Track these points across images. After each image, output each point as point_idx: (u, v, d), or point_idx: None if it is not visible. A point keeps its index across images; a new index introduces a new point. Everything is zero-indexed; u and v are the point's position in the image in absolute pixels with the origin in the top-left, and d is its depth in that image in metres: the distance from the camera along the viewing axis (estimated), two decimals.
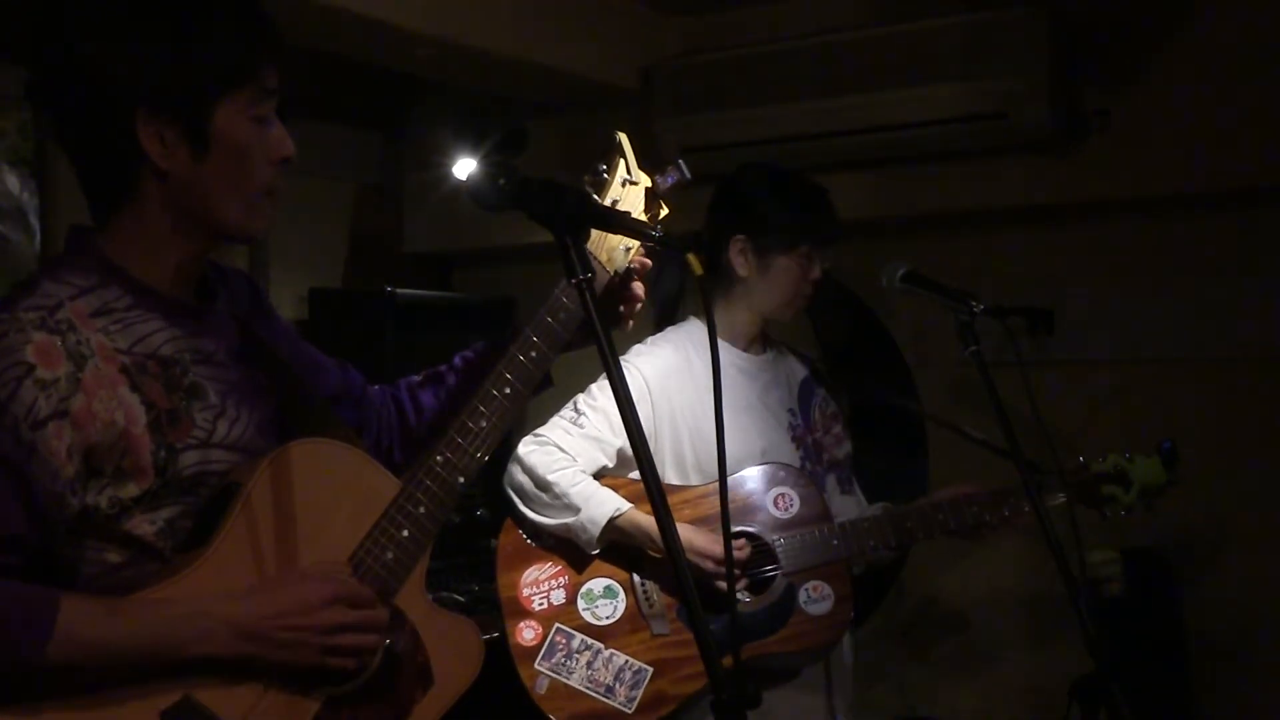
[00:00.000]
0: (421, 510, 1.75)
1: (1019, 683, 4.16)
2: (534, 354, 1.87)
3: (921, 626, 4.40)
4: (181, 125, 1.60)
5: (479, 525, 3.34)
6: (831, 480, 2.93)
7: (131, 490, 1.58)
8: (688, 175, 2.14)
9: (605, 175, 2.06)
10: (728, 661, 1.56)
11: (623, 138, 2.10)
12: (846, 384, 3.09)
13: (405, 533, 1.74)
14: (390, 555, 1.73)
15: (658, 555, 2.65)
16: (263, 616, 1.60)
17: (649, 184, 2.12)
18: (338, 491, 1.71)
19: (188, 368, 1.65)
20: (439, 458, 1.78)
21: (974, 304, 2.63)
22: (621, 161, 2.08)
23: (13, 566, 1.51)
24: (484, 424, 1.81)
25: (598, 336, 1.59)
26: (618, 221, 1.85)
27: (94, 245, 1.64)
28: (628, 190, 2.08)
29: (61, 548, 1.57)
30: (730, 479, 1.78)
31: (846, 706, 2.89)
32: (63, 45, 1.59)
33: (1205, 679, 3.80)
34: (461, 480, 1.78)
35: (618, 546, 2.67)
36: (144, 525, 1.59)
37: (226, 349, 1.72)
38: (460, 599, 3.79)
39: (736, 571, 2.61)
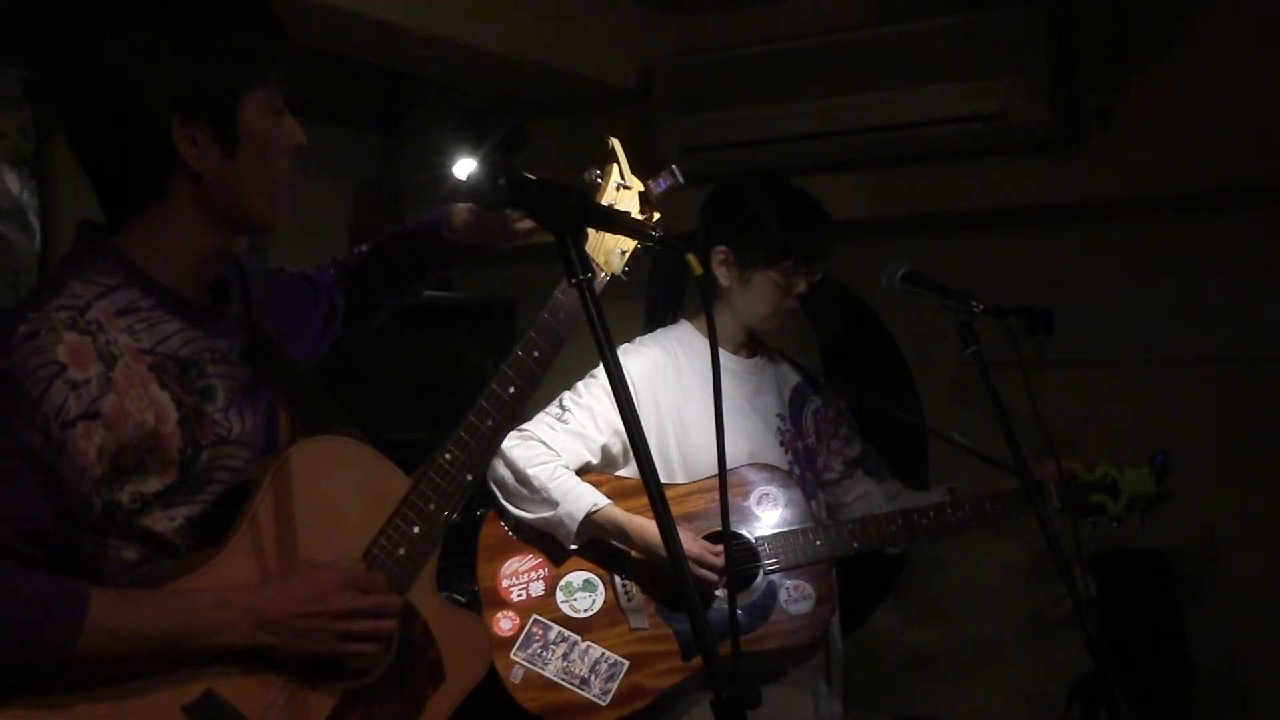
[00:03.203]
0: (431, 507, 1.78)
1: (1019, 683, 4.17)
2: (536, 353, 1.92)
3: (921, 627, 4.40)
4: (213, 126, 1.61)
5: (479, 525, 3.33)
6: (850, 482, 2.96)
7: (153, 485, 1.60)
8: (681, 180, 2.15)
9: (599, 180, 2.07)
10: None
11: (615, 143, 2.10)
12: (845, 385, 3.08)
13: (416, 529, 1.77)
14: (402, 551, 1.76)
15: (633, 552, 2.65)
16: (278, 605, 1.62)
17: (642, 189, 2.13)
18: (349, 489, 1.74)
19: (204, 369, 1.67)
20: (447, 455, 1.81)
21: (974, 304, 2.63)
22: (615, 166, 2.10)
23: (40, 562, 1.53)
24: (489, 422, 1.85)
25: (597, 336, 1.59)
26: (618, 221, 1.86)
27: (111, 244, 1.65)
28: (621, 195, 2.10)
29: (84, 546, 1.58)
30: (716, 478, 1.80)
31: (839, 705, 2.90)
32: (87, 61, 1.59)
33: (1206, 679, 3.80)
34: (470, 478, 1.82)
35: (598, 540, 2.68)
36: (163, 521, 1.61)
37: (239, 349, 1.73)
38: (461, 599, 3.78)
39: (717, 574, 2.61)
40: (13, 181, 3.86)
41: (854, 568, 2.94)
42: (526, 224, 2.02)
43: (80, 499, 1.54)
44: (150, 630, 1.55)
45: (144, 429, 1.57)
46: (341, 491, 1.73)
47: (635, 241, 2.11)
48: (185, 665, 1.58)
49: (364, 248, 2.16)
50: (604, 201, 2.06)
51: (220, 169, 1.63)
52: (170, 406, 1.60)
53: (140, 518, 1.59)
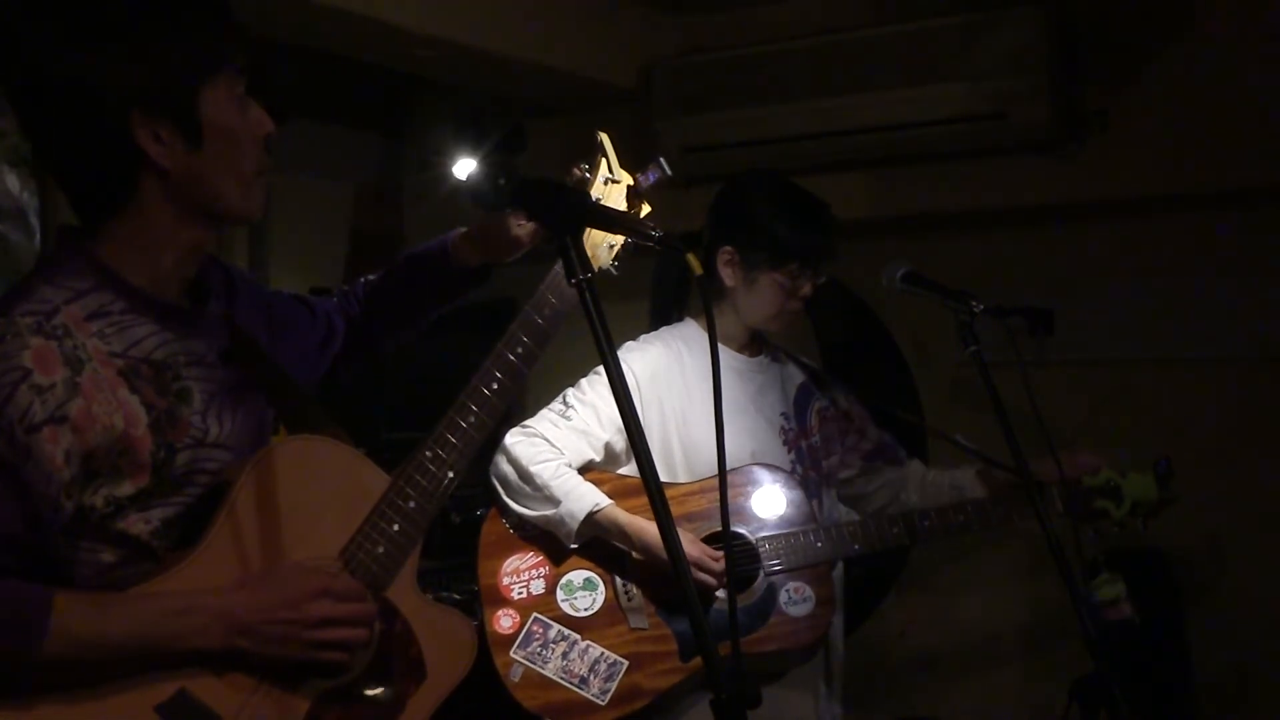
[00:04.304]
0: (411, 505, 1.77)
1: (1019, 683, 4.16)
2: (520, 350, 1.90)
3: (921, 626, 4.40)
4: (174, 120, 1.61)
5: (479, 525, 3.35)
6: (871, 474, 2.96)
7: (127, 489, 1.59)
8: (668, 172, 2.15)
9: (587, 175, 2.07)
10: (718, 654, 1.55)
11: (604, 137, 2.10)
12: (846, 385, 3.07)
13: (396, 527, 1.76)
14: (381, 549, 1.75)
15: (633, 553, 2.65)
16: (251, 610, 1.61)
17: (630, 182, 2.13)
18: (328, 488, 1.73)
19: (179, 371, 1.66)
20: (428, 453, 1.80)
21: (974, 304, 2.63)
22: (603, 160, 2.09)
23: (8, 566, 1.52)
24: (472, 419, 1.84)
25: (596, 335, 1.59)
26: (618, 221, 1.86)
27: (86, 248, 1.65)
28: (609, 189, 2.09)
29: (56, 549, 1.58)
30: (717, 478, 1.79)
31: (839, 706, 2.89)
32: (44, 66, 1.58)
33: (1208, 683, 3.80)
34: (451, 475, 1.80)
35: (599, 539, 2.68)
36: (139, 524, 1.61)
37: (217, 350, 1.73)
38: (460, 599, 3.79)
39: (715, 578, 2.60)
40: (13, 181, 3.86)
41: (854, 568, 2.93)
42: (529, 229, 2.03)
43: (49, 503, 1.53)
44: (119, 635, 1.55)
45: (113, 432, 1.56)
46: (320, 490, 1.72)
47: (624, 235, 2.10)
48: (158, 666, 1.58)
49: (371, 276, 2.16)
50: (592, 196, 2.05)
51: (187, 162, 1.62)
52: (140, 410, 1.60)
53: (115, 521, 1.59)
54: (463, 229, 2.10)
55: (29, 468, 1.51)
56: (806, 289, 2.77)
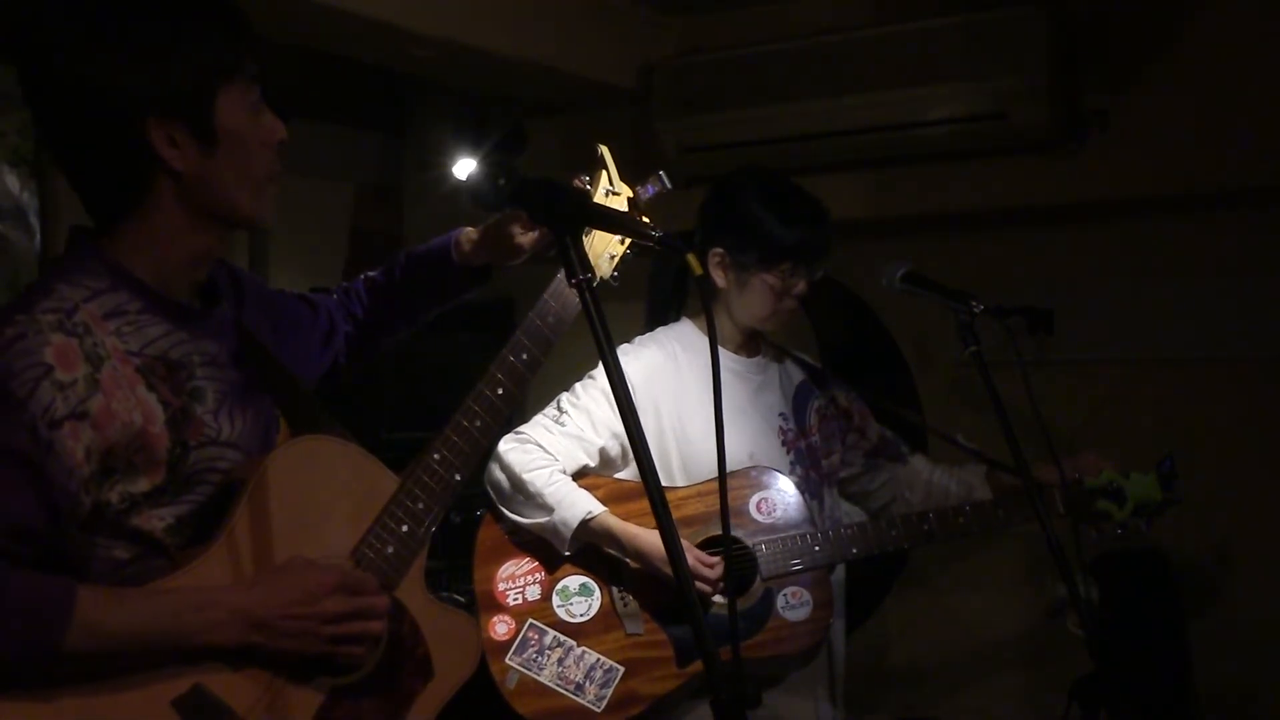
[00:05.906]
0: (420, 506, 1.80)
1: (1019, 683, 4.17)
2: (524, 355, 1.94)
3: (921, 626, 4.40)
4: (189, 124, 1.62)
5: (480, 525, 3.36)
6: (874, 471, 2.96)
7: (142, 485, 1.61)
8: (669, 185, 2.17)
9: (588, 186, 2.08)
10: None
11: (604, 150, 2.11)
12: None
13: (405, 528, 1.78)
14: (390, 550, 1.77)
15: (628, 560, 2.64)
16: (268, 606, 1.63)
17: (630, 195, 2.14)
18: (338, 488, 1.75)
19: (194, 371, 1.68)
20: (435, 455, 1.83)
21: (974, 304, 2.62)
22: (604, 173, 2.10)
23: (27, 557, 1.54)
24: (478, 423, 1.87)
25: (597, 337, 1.59)
26: (618, 221, 1.86)
27: (100, 249, 1.66)
28: (610, 201, 2.11)
29: (72, 544, 1.59)
30: (715, 482, 1.79)
31: (840, 709, 2.89)
32: (62, 68, 1.60)
33: (1207, 680, 3.80)
34: (458, 477, 1.83)
35: (594, 545, 2.67)
36: (153, 521, 1.62)
37: (228, 351, 1.74)
38: (461, 599, 3.78)
39: (711, 586, 2.60)
40: (13, 181, 3.87)
41: (854, 568, 2.93)
42: (531, 237, 2.04)
43: (69, 498, 1.55)
44: (137, 629, 1.56)
45: (131, 429, 1.58)
46: (330, 490, 1.74)
47: (624, 247, 2.12)
48: (174, 660, 1.59)
49: (373, 273, 2.18)
50: None
51: (200, 166, 1.64)
52: (157, 407, 1.62)
53: (130, 517, 1.61)
54: (466, 229, 2.11)
55: (50, 463, 1.52)
56: (800, 287, 2.75)
